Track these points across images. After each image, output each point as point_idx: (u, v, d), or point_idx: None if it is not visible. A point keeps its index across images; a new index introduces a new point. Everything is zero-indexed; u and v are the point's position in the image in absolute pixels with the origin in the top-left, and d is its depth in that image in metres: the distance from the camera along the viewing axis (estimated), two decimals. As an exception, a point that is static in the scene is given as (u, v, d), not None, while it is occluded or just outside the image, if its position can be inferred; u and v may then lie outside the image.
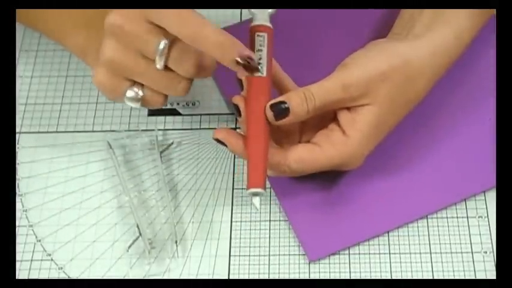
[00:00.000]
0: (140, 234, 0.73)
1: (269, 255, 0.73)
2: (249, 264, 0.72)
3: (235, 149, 0.70)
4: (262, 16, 0.72)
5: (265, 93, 0.70)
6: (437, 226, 0.74)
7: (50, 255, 0.73)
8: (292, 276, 0.72)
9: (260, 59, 0.70)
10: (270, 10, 0.72)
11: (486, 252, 0.72)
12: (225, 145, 0.71)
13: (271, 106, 0.69)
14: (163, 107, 0.81)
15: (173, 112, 0.81)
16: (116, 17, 0.67)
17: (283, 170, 0.71)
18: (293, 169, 0.71)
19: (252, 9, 0.71)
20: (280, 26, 0.85)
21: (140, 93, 0.70)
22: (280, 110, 0.69)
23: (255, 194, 0.68)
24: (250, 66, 0.67)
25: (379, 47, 0.73)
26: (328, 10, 0.84)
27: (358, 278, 0.71)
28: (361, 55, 0.72)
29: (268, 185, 0.75)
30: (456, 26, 0.75)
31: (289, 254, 0.73)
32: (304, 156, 0.71)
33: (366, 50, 0.73)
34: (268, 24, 0.72)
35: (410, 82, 0.72)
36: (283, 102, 0.69)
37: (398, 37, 0.75)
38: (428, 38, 0.74)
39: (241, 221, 0.75)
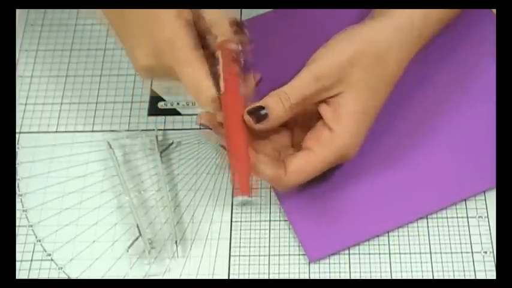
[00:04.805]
0: (140, 234, 0.73)
1: (269, 255, 0.73)
2: (249, 264, 0.72)
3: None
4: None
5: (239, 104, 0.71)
6: (437, 226, 0.74)
7: (50, 255, 0.73)
8: (292, 276, 0.72)
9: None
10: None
11: (486, 252, 0.72)
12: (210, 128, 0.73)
13: (249, 112, 0.70)
14: (163, 107, 0.81)
15: (173, 112, 0.81)
16: None
17: (286, 184, 0.71)
18: (294, 182, 0.71)
19: None
20: (279, 25, 0.85)
21: None
22: (259, 115, 0.70)
23: (244, 203, 0.69)
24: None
25: (343, 35, 0.73)
26: (328, 10, 0.84)
27: (358, 278, 0.71)
28: (328, 46, 0.72)
29: (268, 184, 0.75)
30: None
31: (289, 254, 0.73)
32: (300, 167, 0.71)
33: (332, 40, 0.73)
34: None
35: (380, 61, 0.71)
36: (261, 108, 0.70)
37: (365, 20, 0.75)
38: (393, 14, 0.73)
39: (241, 221, 0.75)
